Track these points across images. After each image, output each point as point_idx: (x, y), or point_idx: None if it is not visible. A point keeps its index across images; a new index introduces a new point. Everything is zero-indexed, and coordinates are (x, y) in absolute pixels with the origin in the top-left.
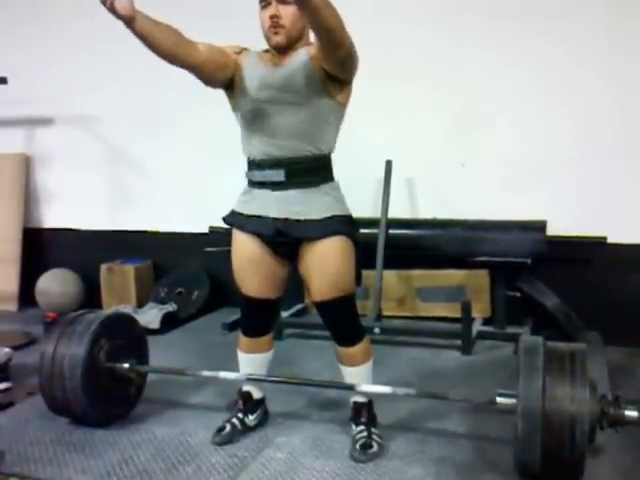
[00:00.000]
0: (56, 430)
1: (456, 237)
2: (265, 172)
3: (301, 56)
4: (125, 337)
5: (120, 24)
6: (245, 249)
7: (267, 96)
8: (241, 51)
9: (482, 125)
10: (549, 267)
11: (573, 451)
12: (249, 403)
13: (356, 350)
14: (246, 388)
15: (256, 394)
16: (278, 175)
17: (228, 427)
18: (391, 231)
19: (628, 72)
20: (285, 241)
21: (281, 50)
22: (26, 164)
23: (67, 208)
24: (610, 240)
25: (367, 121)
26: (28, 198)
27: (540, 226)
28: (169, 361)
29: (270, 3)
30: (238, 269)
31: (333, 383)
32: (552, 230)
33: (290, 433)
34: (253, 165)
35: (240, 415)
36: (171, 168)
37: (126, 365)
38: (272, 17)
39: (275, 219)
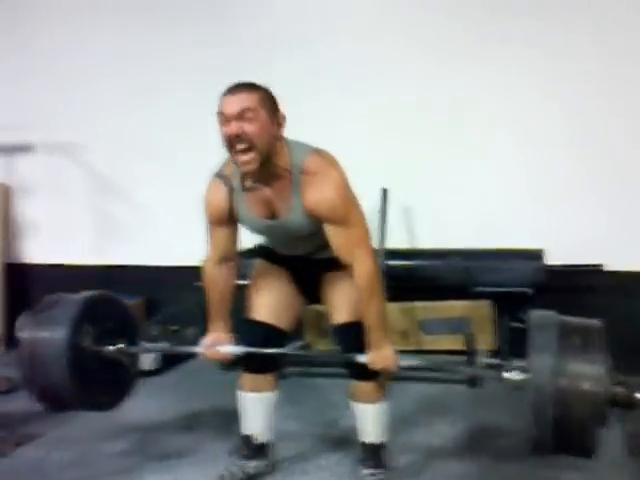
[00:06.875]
0: None
1: (456, 268)
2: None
3: (294, 209)
4: (112, 319)
5: (103, 50)
6: (266, 272)
7: (271, 232)
8: (220, 200)
9: (479, 152)
10: (550, 296)
11: (586, 429)
12: (252, 448)
13: (372, 385)
14: (249, 432)
15: (261, 437)
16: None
17: (227, 475)
18: (390, 262)
19: (631, 97)
20: (308, 268)
21: (257, 176)
22: (6, 195)
23: (51, 242)
24: (607, 267)
25: (361, 147)
26: (8, 231)
27: (538, 254)
28: (165, 405)
29: (229, 121)
30: (255, 292)
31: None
32: (549, 257)
33: (297, 479)
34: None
35: (241, 462)
36: (161, 198)
37: (114, 347)
38: (235, 138)
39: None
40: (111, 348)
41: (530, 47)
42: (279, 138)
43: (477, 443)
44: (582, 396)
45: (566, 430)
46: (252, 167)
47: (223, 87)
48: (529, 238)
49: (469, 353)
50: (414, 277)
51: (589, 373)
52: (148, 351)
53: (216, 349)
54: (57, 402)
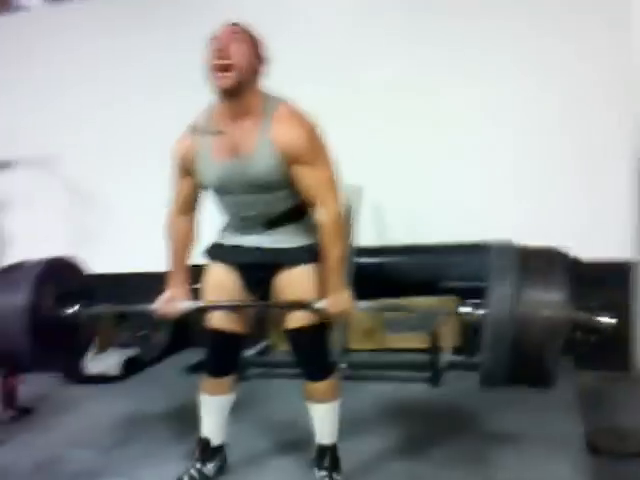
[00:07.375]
0: None
1: (423, 264)
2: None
3: (260, 148)
4: (71, 283)
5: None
6: (217, 278)
7: (228, 185)
8: (187, 150)
9: (449, 150)
10: None
11: (546, 359)
12: (207, 451)
13: (325, 385)
14: (204, 435)
15: (215, 440)
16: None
17: (186, 479)
18: (359, 259)
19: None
20: (261, 267)
21: (229, 100)
22: None
23: (23, 254)
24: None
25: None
26: None
27: None
28: (128, 409)
29: (219, 39)
30: (207, 298)
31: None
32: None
33: None
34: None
35: (198, 465)
36: (131, 207)
37: (74, 309)
38: (219, 52)
39: (254, 248)
40: (69, 310)
41: (492, 46)
42: (258, 77)
43: (432, 443)
44: (542, 321)
45: (524, 358)
46: (228, 82)
47: (197, 93)
48: (501, 230)
49: (433, 351)
50: (383, 275)
51: (549, 299)
52: (105, 311)
53: (173, 305)
54: (14, 362)
